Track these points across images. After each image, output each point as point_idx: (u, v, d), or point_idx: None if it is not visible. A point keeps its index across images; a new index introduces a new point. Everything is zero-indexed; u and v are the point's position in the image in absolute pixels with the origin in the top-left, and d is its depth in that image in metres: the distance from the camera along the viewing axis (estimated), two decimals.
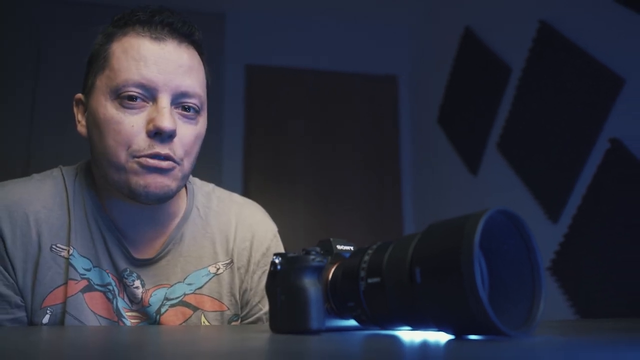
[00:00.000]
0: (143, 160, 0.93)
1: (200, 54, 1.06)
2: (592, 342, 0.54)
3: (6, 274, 0.98)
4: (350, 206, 3.98)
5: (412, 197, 4.10)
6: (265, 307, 1.14)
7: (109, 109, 0.94)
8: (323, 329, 0.68)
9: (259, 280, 1.15)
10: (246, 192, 3.80)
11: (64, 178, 1.07)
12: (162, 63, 0.95)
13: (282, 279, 0.70)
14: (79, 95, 1.06)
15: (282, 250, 1.20)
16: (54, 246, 1.00)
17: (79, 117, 1.05)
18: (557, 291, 2.32)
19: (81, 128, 1.04)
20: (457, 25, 3.52)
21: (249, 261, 1.14)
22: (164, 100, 0.95)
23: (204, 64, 1.06)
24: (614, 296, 2.00)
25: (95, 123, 0.97)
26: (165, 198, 0.98)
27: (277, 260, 0.71)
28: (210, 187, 1.22)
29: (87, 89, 1.02)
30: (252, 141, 3.97)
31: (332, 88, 4.15)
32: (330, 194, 3.97)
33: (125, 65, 0.95)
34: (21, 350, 0.51)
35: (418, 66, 4.17)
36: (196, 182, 1.20)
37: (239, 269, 1.13)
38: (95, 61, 1.01)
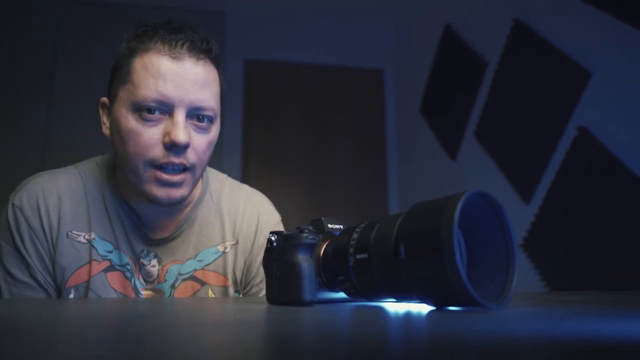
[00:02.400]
0: (158, 174, 0.96)
1: (218, 67, 1.05)
2: (560, 313, 0.55)
3: (29, 259, 1.01)
4: (340, 189, 3.98)
5: (396, 181, 4.11)
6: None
7: (130, 121, 0.95)
8: (315, 300, 0.68)
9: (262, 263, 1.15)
10: (245, 178, 3.80)
11: (81, 175, 1.09)
12: (179, 80, 0.95)
13: (277, 255, 0.70)
14: (104, 99, 1.06)
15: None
16: (69, 233, 1.02)
17: (104, 119, 1.06)
18: (529, 266, 2.33)
19: (106, 130, 1.05)
20: (437, 24, 3.51)
21: (253, 244, 1.16)
22: (180, 115, 0.95)
23: (219, 75, 1.06)
24: (580, 271, 2.01)
25: (117, 130, 0.98)
26: (178, 203, 1.02)
27: (273, 238, 0.71)
28: (223, 176, 1.24)
29: (111, 96, 1.02)
30: (251, 130, 3.96)
31: (325, 81, 4.14)
32: (322, 178, 3.97)
33: (145, 81, 0.95)
34: (39, 320, 0.50)
35: (402, 61, 4.16)
36: (211, 171, 1.22)
37: (243, 251, 1.15)
38: (118, 71, 1.01)
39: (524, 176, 2.47)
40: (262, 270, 1.14)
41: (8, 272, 1.01)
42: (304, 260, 0.68)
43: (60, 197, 1.05)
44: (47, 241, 1.02)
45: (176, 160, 0.95)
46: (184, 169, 0.98)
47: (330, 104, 4.11)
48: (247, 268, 1.15)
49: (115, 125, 0.99)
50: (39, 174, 1.09)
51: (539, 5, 2.45)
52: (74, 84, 3.65)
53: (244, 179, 3.78)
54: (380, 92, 4.24)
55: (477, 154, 2.93)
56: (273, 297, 0.70)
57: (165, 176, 0.96)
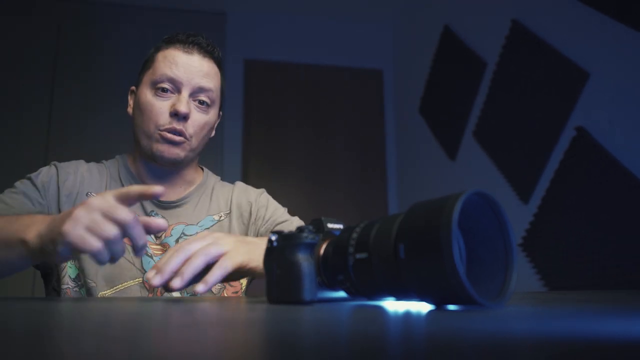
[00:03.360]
0: (163, 133, 1.22)
1: (219, 67, 1.33)
2: (558, 312, 0.55)
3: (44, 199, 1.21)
4: (340, 188, 3.98)
5: (396, 180, 4.11)
6: None
7: (148, 96, 1.24)
8: (315, 300, 0.68)
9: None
10: (245, 178, 3.80)
11: (105, 165, 1.35)
12: (188, 67, 1.24)
13: (278, 255, 0.70)
14: (133, 87, 1.35)
15: (273, 201, 1.43)
16: (89, 193, 1.25)
17: (130, 102, 1.35)
18: (527, 265, 2.33)
19: (129, 109, 1.34)
20: (437, 24, 3.51)
21: (250, 210, 1.37)
22: (185, 92, 1.23)
23: (221, 75, 1.34)
24: (578, 270, 2.01)
25: (138, 105, 1.27)
26: (175, 162, 1.26)
27: (273, 238, 0.71)
28: (218, 177, 1.48)
29: (138, 83, 1.30)
30: (251, 130, 3.96)
31: (324, 81, 4.15)
32: (321, 177, 3.97)
33: (163, 66, 1.24)
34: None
35: (401, 61, 4.17)
36: (210, 172, 1.46)
37: (238, 217, 1.36)
38: (146, 63, 1.31)
39: (522, 176, 2.47)
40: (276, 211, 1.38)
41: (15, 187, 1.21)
42: (304, 259, 0.68)
43: (87, 171, 1.30)
44: (68, 196, 1.22)
45: (177, 126, 1.21)
46: (184, 136, 1.23)
47: (329, 104, 4.12)
48: (255, 221, 1.35)
49: (137, 102, 1.27)
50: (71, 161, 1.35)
51: (538, 6, 2.45)
52: (76, 83, 3.65)
53: (244, 179, 3.79)
54: (380, 92, 4.25)
55: (476, 154, 2.93)
56: (273, 296, 0.70)
57: (168, 135, 1.22)
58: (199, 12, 3.83)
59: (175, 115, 1.21)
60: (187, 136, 1.23)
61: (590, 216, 1.98)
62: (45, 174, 1.24)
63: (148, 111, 1.23)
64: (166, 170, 1.30)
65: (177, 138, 1.22)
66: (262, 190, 1.45)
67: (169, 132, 1.21)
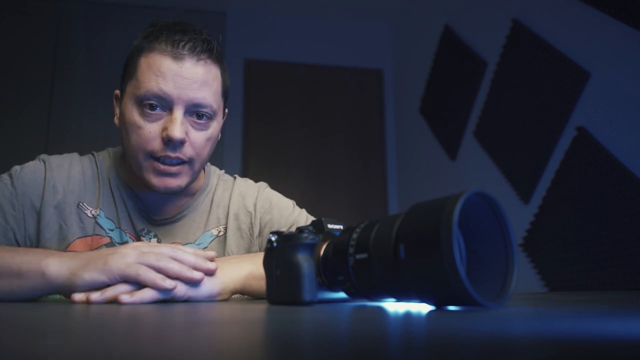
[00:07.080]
0: (156, 164, 1.04)
1: (220, 63, 1.12)
2: (559, 312, 0.55)
3: (24, 217, 1.07)
4: (339, 188, 3.98)
5: (396, 180, 4.11)
6: None
7: (134, 115, 1.04)
8: (315, 300, 0.68)
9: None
10: (245, 176, 3.80)
11: (95, 160, 1.19)
12: (179, 80, 1.02)
13: (277, 255, 0.70)
14: (117, 92, 1.15)
15: (277, 195, 1.30)
16: (80, 204, 1.11)
17: (116, 110, 1.15)
18: (528, 266, 2.33)
19: (116, 120, 1.14)
20: (437, 24, 3.51)
21: (251, 221, 1.22)
22: (178, 112, 1.03)
23: (222, 72, 1.13)
24: (579, 271, 2.01)
25: (124, 122, 1.07)
26: (177, 192, 1.10)
27: (273, 238, 0.72)
28: (220, 172, 1.33)
29: (122, 90, 1.11)
30: (251, 130, 3.96)
31: (324, 80, 4.15)
32: (321, 178, 3.97)
33: (148, 78, 1.02)
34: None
35: (402, 61, 4.17)
36: (211, 168, 1.31)
37: (235, 230, 1.21)
38: (128, 67, 1.09)
39: (523, 176, 2.47)
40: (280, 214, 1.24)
41: None
42: (304, 260, 0.68)
43: (80, 173, 1.14)
44: (56, 207, 1.08)
45: (172, 154, 1.03)
46: (181, 161, 1.06)
47: (329, 104, 4.12)
48: (261, 230, 1.22)
49: (123, 117, 1.08)
50: (63, 154, 1.20)
51: (538, 5, 2.45)
52: (75, 82, 3.65)
53: (243, 177, 3.79)
54: (380, 92, 4.25)
55: (477, 154, 2.93)
56: (273, 297, 0.70)
57: (162, 166, 1.04)
58: (199, 12, 3.83)
59: (169, 142, 1.02)
60: (186, 160, 1.06)
61: (591, 216, 1.97)
62: (30, 175, 1.10)
63: (136, 134, 1.04)
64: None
65: (174, 169, 1.05)
66: (263, 186, 1.31)
67: (162, 161, 1.04)
